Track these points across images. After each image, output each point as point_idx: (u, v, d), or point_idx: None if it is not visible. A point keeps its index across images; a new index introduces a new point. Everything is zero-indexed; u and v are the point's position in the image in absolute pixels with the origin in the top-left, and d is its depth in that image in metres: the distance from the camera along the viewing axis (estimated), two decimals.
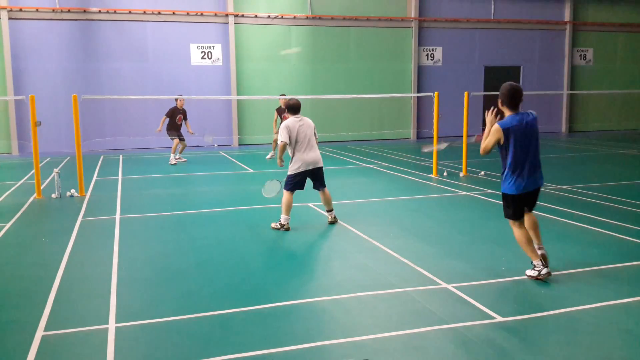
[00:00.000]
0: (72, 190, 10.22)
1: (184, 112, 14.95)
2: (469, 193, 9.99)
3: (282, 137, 7.52)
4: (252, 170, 13.38)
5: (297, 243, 7.02)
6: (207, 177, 12.63)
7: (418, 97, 21.74)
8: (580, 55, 24.35)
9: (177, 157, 15.08)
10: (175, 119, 14.75)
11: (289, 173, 7.67)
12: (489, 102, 22.97)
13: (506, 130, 5.26)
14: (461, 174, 11.98)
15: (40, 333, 4.31)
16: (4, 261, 6.31)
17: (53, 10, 18.08)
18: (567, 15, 23.64)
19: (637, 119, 25.22)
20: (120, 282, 5.45)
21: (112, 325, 4.43)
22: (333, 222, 7.86)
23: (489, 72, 23.07)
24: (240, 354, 3.92)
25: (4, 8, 17.52)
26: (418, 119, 22.22)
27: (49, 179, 11.49)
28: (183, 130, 15.00)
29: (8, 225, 7.96)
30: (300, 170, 7.55)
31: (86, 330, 4.37)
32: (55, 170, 10.28)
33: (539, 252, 5.50)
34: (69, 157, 16.39)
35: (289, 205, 7.56)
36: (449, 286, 5.22)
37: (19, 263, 6.23)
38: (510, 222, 5.47)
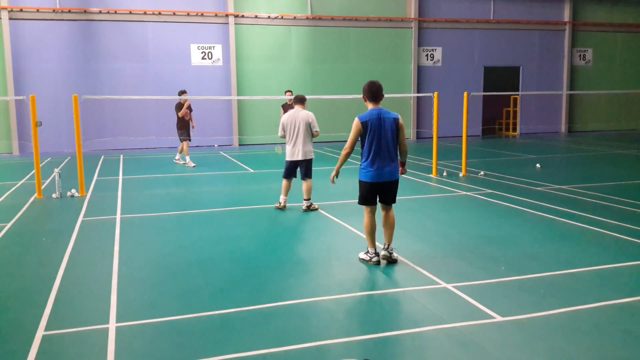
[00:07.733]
0: (73, 190, 10.23)
1: (188, 106, 14.27)
2: (468, 193, 10.00)
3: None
4: (252, 171, 13.38)
5: (297, 243, 7.03)
6: (208, 177, 12.64)
7: (418, 97, 21.74)
8: (580, 56, 24.36)
9: (176, 158, 15.00)
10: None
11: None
12: (488, 102, 23.01)
13: (364, 123, 5.88)
14: (461, 174, 11.99)
15: (40, 333, 4.31)
16: (4, 261, 6.32)
17: (54, 11, 18.09)
18: (566, 16, 23.65)
19: (637, 119, 25.23)
20: (121, 282, 5.45)
21: (112, 325, 4.43)
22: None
23: (489, 72, 23.07)
24: (240, 354, 3.92)
25: (4, 8, 17.53)
26: (418, 119, 22.23)
27: (49, 179, 11.50)
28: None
29: (9, 225, 7.96)
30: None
31: (87, 329, 4.38)
32: (56, 170, 10.29)
33: (382, 252, 5.87)
34: (69, 157, 16.40)
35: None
36: (449, 286, 5.23)
37: (20, 263, 6.24)
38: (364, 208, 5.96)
